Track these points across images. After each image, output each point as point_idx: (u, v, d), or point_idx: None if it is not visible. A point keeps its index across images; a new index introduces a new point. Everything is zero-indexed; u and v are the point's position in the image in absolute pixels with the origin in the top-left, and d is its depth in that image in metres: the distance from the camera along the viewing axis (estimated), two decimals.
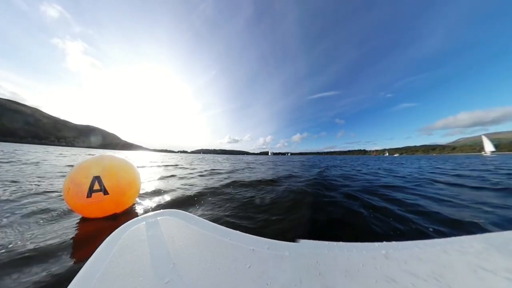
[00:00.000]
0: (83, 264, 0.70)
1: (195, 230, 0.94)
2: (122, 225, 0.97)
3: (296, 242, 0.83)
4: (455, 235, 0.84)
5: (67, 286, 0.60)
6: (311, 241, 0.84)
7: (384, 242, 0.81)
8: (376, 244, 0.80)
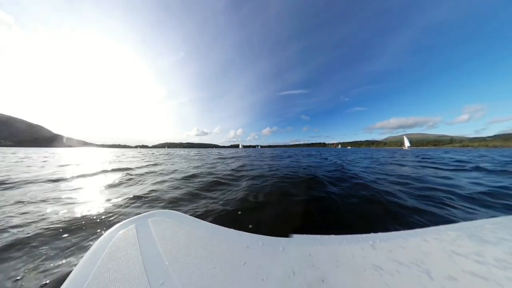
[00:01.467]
0: (70, 272, 0.68)
1: (187, 230, 0.94)
2: (111, 229, 0.94)
3: (290, 237, 0.88)
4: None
5: None
6: (304, 235, 0.89)
7: (372, 233, 0.88)
8: (364, 235, 0.87)
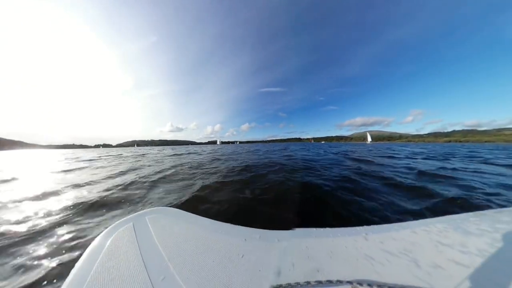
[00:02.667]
0: (68, 273, 0.67)
1: (185, 226, 0.95)
2: (108, 228, 0.94)
3: (286, 230, 0.91)
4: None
5: None
6: (301, 229, 0.92)
7: (365, 226, 0.94)
8: (358, 228, 0.93)
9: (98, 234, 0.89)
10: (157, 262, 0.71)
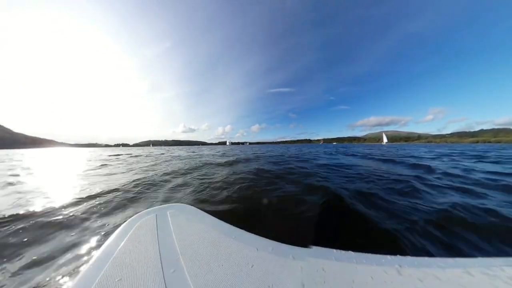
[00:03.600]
0: (97, 250, 0.76)
1: (201, 225, 0.98)
2: (135, 215, 1.03)
3: (302, 247, 0.83)
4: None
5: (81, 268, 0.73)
6: (318, 247, 0.83)
7: (398, 256, 0.77)
8: (389, 257, 0.76)
9: (126, 220, 1.00)
10: (171, 255, 0.76)
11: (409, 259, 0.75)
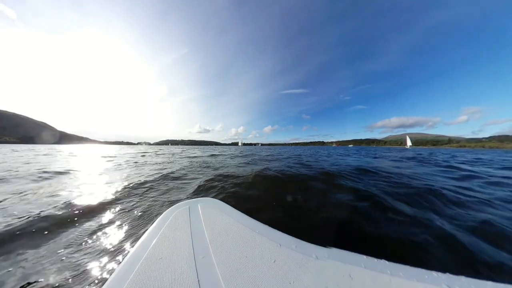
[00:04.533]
0: (145, 233, 0.94)
1: (228, 218, 1.07)
2: (172, 206, 1.24)
3: (327, 247, 0.79)
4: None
5: (133, 246, 0.83)
6: (345, 251, 0.77)
7: (448, 274, 0.62)
8: (435, 273, 0.62)
9: (166, 210, 1.19)
10: (201, 242, 0.86)
11: (463, 280, 0.60)
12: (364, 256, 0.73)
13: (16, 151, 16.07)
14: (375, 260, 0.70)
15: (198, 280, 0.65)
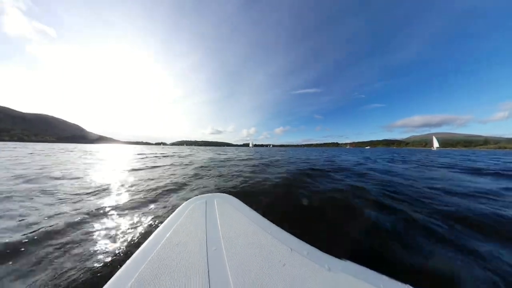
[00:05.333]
0: (164, 221, 1.03)
1: (241, 215, 1.11)
2: (189, 200, 1.30)
3: (342, 259, 0.74)
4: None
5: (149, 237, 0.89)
6: (363, 267, 0.70)
7: None
8: None
9: (183, 203, 1.26)
10: (214, 235, 0.90)
11: None
12: (385, 277, 0.66)
13: (72, 150, 16.79)
14: (398, 284, 0.63)
15: (208, 270, 0.68)
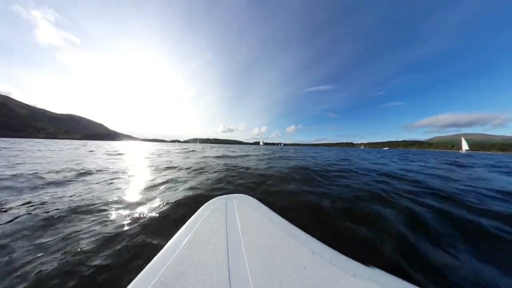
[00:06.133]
0: (190, 219, 1.08)
1: (261, 217, 1.10)
2: (212, 200, 1.35)
3: (369, 266, 0.68)
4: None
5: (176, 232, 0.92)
6: (393, 276, 0.64)
7: None
8: None
9: (207, 202, 1.31)
10: (234, 235, 0.91)
11: None
12: None
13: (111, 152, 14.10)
14: None
15: (229, 269, 0.69)
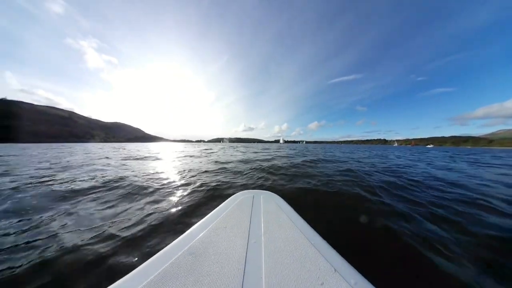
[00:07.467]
0: (216, 207, 1.18)
1: (285, 217, 1.09)
2: (240, 192, 1.44)
3: None
4: None
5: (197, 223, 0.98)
6: None
7: None
8: None
9: (234, 194, 1.38)
10: (256, 229, 0.93)
11: None
12: None
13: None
14: None
15: (246, 257, 0.72)
